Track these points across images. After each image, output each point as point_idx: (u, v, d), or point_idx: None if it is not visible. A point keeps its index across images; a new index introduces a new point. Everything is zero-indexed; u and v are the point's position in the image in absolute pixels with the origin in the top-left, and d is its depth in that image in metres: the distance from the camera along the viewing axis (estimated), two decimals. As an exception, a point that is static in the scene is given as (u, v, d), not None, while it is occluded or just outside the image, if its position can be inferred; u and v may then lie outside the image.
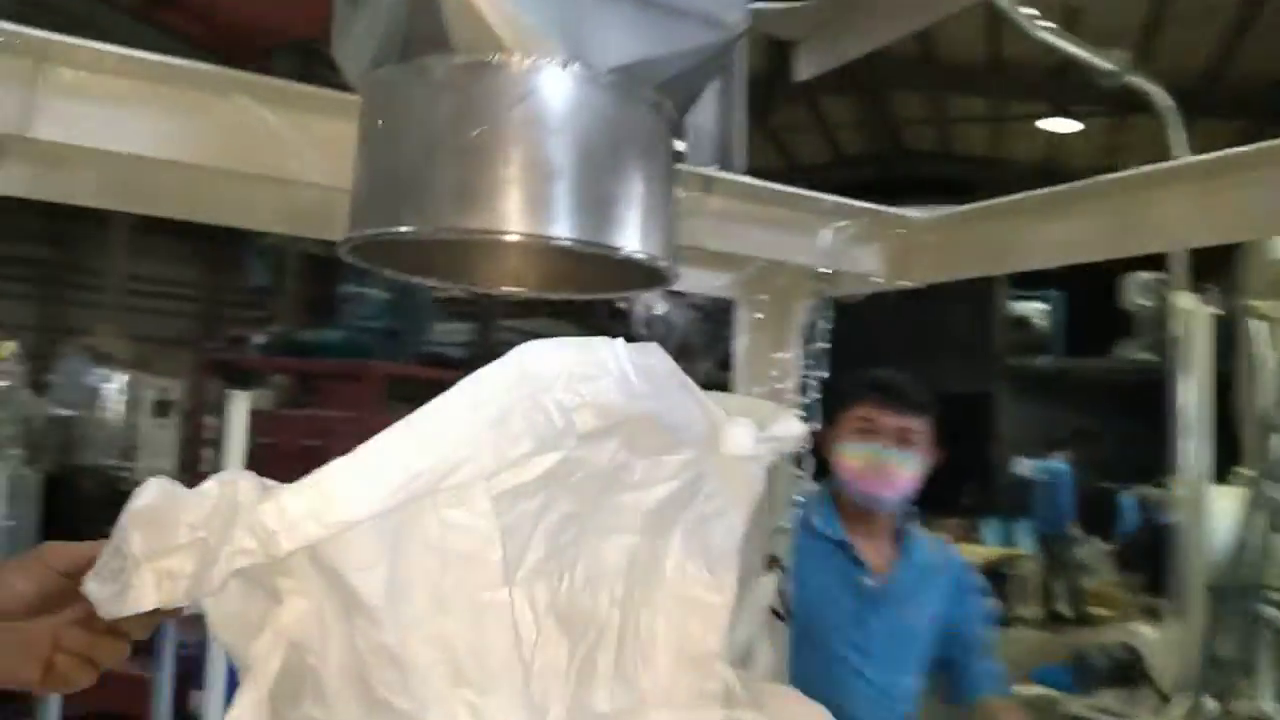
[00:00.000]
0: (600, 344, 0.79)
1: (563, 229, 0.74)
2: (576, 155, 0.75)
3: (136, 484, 0.75)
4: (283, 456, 7.12)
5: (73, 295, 11.52)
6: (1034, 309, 11.56)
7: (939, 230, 1.52)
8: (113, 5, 7.55)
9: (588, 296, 0.96)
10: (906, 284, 1.57)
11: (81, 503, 8.43)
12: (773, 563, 1.58)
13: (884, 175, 10.81)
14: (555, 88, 0.74)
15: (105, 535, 0.74)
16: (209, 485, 0.70)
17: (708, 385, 0.93)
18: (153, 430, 9.95)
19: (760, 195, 1.40)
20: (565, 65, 0.74)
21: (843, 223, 1.44)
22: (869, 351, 2.80)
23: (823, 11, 1.09)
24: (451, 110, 0.74)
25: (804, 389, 1.61)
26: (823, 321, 1.68)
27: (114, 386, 10.44)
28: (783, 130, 10.31)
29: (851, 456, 2.08)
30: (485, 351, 7.45)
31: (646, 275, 0.87)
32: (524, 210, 0.73)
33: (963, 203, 1.55)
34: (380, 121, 0.76)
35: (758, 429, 0.92)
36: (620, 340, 0.81)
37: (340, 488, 0.69)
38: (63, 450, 10.05)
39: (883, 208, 1.50)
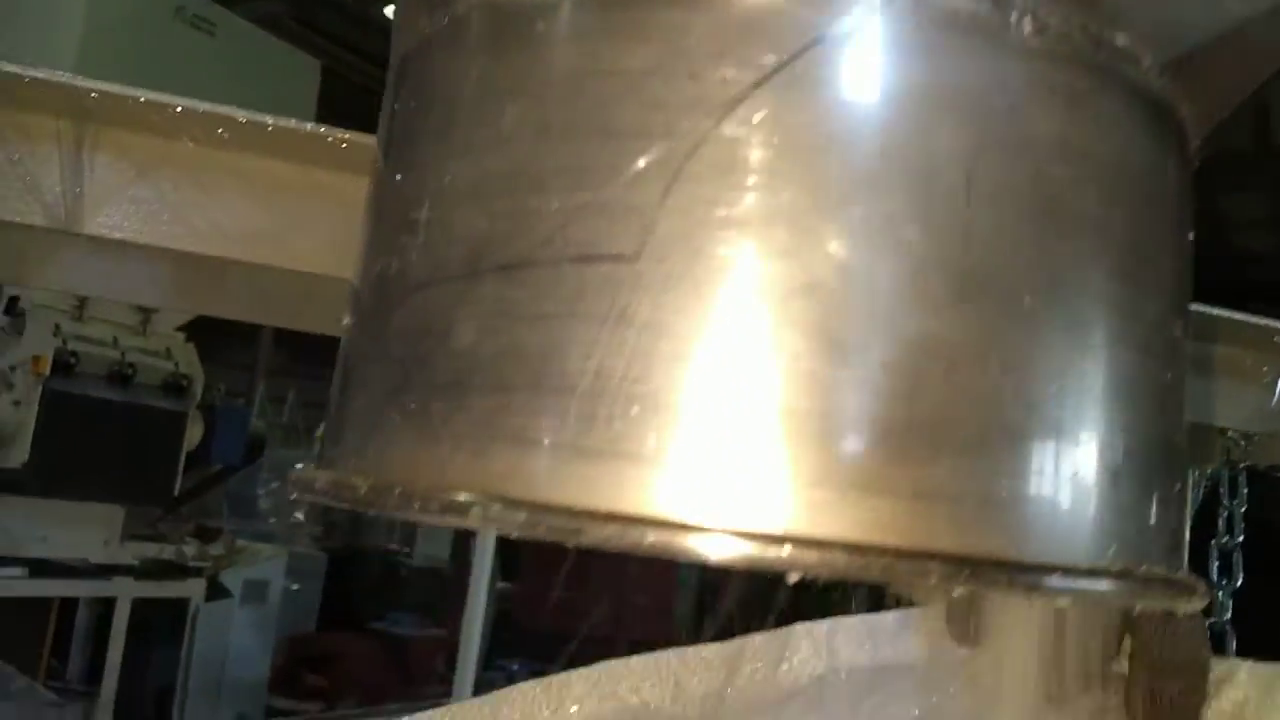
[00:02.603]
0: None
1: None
2: (954, 277, 0.28)
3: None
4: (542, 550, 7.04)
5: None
6: None
7: None
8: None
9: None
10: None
11: (362, 581, 8.90)
12: None
13: (1210, 283, 9.71)
14: (880, 48, 0.28)
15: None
16: None
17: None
18: (432, 517, 10.37)
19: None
20: None
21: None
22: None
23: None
24: (565, 116, 0.28)
25: (1212, 603, 1.09)
26: (1232, 500, 1.17)
27: (402, 472, 11.04)
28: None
29: None
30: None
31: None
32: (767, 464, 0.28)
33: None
34: (398, 174, 0.33)
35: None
36: None
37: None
38: (351, 531, 10.74)
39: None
